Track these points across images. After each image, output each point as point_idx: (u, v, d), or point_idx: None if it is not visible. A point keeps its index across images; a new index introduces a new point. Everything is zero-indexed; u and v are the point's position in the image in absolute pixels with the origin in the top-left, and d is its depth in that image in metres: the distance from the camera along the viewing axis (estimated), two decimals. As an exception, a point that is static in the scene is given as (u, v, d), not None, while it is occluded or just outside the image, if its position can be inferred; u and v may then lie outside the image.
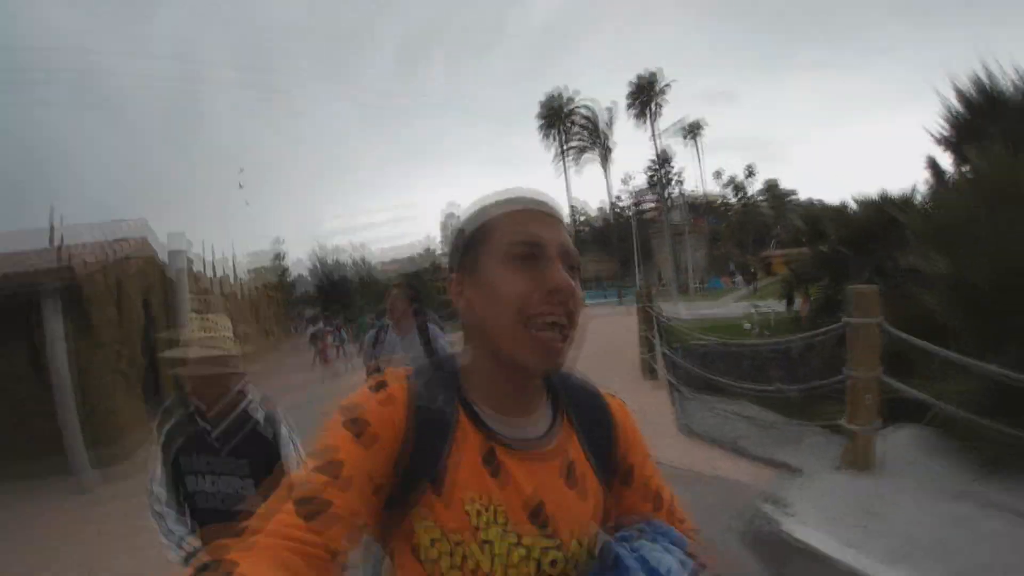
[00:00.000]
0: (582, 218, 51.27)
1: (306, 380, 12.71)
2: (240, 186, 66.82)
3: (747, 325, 12.22)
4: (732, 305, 19.07)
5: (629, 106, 39.78)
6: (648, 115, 39.31)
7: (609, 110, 41.03)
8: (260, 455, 1.70)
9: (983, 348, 3.39)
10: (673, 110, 40.96)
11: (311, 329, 19.68)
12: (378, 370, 2.19)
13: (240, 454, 1.71)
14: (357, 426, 0.64)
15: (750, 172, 55.55)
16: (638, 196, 47.14)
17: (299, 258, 38.90)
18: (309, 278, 37.03)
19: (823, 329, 4.35)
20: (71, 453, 6.30)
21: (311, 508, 0.55)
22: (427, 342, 2.83)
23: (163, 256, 10.64)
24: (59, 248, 7.45)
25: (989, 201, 3.93)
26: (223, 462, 1.72)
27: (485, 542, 0.65)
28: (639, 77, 39.22)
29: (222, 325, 1.79)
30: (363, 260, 38.31)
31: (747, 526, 3.22)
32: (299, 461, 1.63)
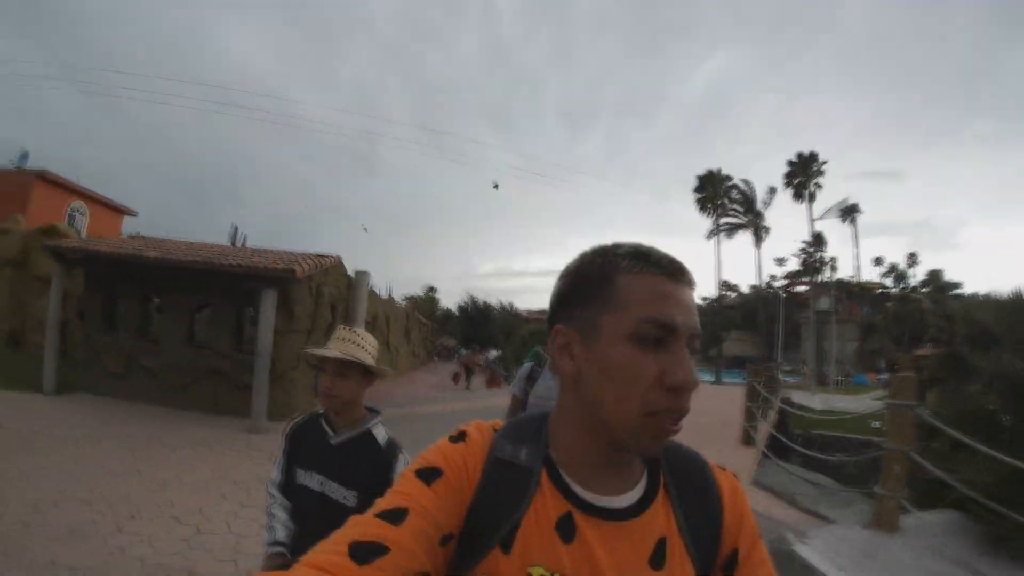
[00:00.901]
0: (732, 294, 50.08)
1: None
2: (365, 230, 77.95)
3: (875, 423, 11.93)
4: (869, 401, 18.12)
5: (787, 185, 38.88)
6: (804, 195, 38.12)
7: (772, 190, 40.47)
8: (371, 473, 1.65)
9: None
10: (833, 189, 39.49)
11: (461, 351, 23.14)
12: (524, 402, 3.08)
13: (352, 464, 1.70)
14: (428, 474, 0.62)
15: (913, 260, 51.79)
16: (791, 277, 45.51)
17: (451, 296, 42.19)
18: (457, 314, 39.92)
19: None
20: (255, 406, 8.61)
21: (365, 551, 0.52)
22: None
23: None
24: (284, 253, 10.11)
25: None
26: (335, 466, 1.71)
27: None
28: (798, 156, 38.40)
29: (367, 340, 1.81)
30: (511, 305, 40.58)
31: (767, 545, 4.01)
32: None
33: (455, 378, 19.29)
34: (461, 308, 38.72)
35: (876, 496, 4.32)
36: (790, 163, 38.77)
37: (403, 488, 0.61)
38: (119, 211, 21.14)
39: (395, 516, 0.57)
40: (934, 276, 48.79)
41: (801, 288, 44.64)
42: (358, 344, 1.77)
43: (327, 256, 11.40)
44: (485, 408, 13.59)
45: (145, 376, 9.83)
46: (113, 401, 9.35)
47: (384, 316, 18.50)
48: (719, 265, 43.82)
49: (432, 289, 40.13)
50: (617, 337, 0.61)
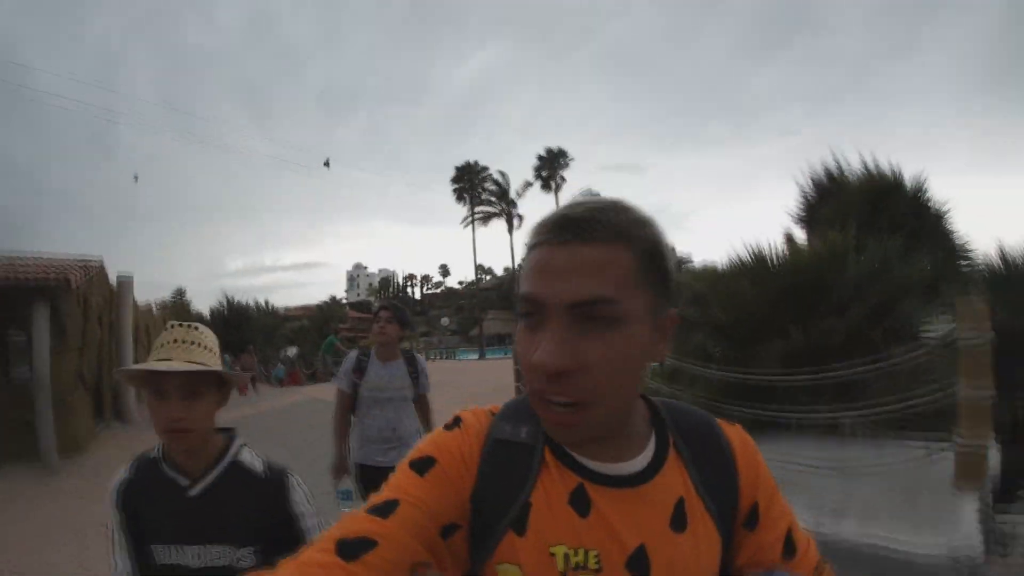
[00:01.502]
0: (488, 277, 54.24)
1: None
2: (136, 179, 69.87)
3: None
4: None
5: (536, 177, 43.79)
6: (552, 187, 43.35)
7: (528, 184, 44.64)
8: (261, 514, 1.24)
9: (729, 363, 5.90)
10: (582, 180, 45.36)
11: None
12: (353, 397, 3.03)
13: (230, 514, 1.23)
14: (421, 464, 0.61)
15: None
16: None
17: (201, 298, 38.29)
18: (209, 318, 36.36)
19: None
20: (44, 443, 7.77)
21: (352, 547, 0.50)
22: (415, 373, 3.17)
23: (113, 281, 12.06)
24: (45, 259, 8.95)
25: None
26: (206, 525, 1.22)
27: None
28: (547, 151, 43.55)
29: (209, 337, 1.32)
30: (267, 303, 38.10)
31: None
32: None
33: (241, 389, 18.02)
34: (215, 311, 35.35)
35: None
36: (540, 157, 43.71)
37: (395, 481, 0.60)
38: None
39: (384, 509, 0.55)
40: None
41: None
42: (204, 346, 1.27)
43: (92, 261, 10.25)
44: (301, 400, 13.66)
45: None
46: None
47: (145, 327, 16.49)
48: (475, 251, 48.35)
49: (181, 292, 35.79)
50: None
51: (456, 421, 0.67)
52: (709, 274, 8.01)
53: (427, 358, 25.98)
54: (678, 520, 0.61)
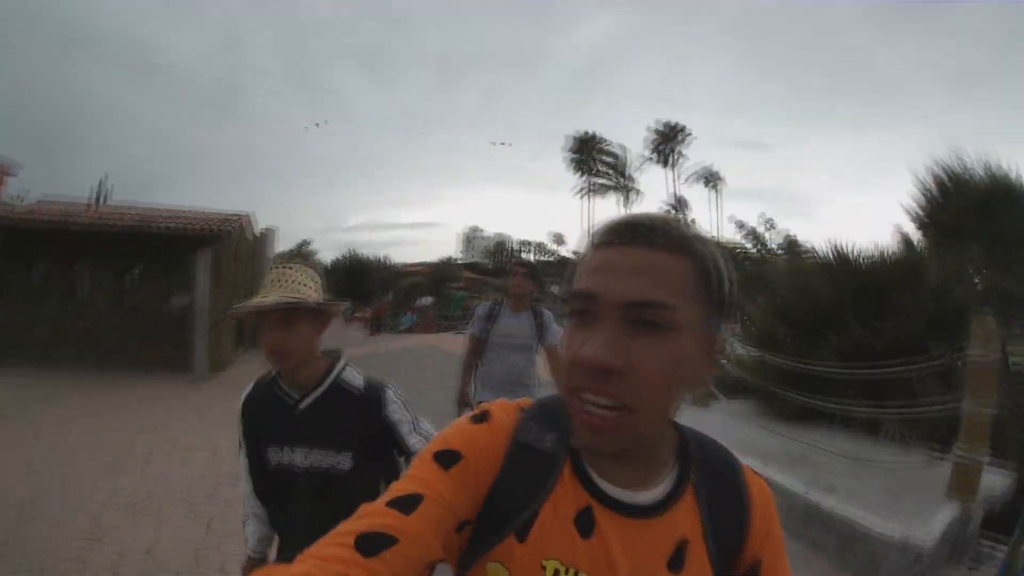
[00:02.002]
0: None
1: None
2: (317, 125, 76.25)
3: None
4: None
5: (653, 151, 42.75)
6: (669, 162, 42.21)
7: (647, 159, 43.57)
8: (359, 425, 1.42)
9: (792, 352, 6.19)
10: (700, 155, 43.56)
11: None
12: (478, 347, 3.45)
13: (333, 424, 1.42)
14: (447, 458, 0.60)
15: (770, 225, 55.69)
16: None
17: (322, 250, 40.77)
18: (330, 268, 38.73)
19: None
20: (198, 360, 9.72)
21: (372, 543, 0.50)
22: (540, 325, 3.38)
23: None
24: (206, 213, 10.88)
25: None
26: (313, 432, 1.42)
27: None
28: (665, 125, 42.22)
29: (306, 274, 1.46)
30: (384, 258, 41.08)
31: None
32: (425, 436, 1.44)
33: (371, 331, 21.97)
34: (337, 262, 38.10)
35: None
36: (658, 132, 42.52)
37: (419, 472, 0.59)
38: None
39: (407, 504, 0.54)
40: (789, 240, 51.09)
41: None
42: (297, 282, 1.43)
43: (243, 215, 12.08)
44: (415, 345, 15.22)
45: (75, 341, 10.16)
46: (44, 369, 9.30)
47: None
48: (590, 223, 47.22)
49: (306, 242, 38.93)
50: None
51: (484, 415, 0.66)
52: (789, 267, 8.10)
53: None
54: (676, 561, 0.60)
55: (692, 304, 0.54)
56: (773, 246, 53.14)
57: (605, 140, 45.01)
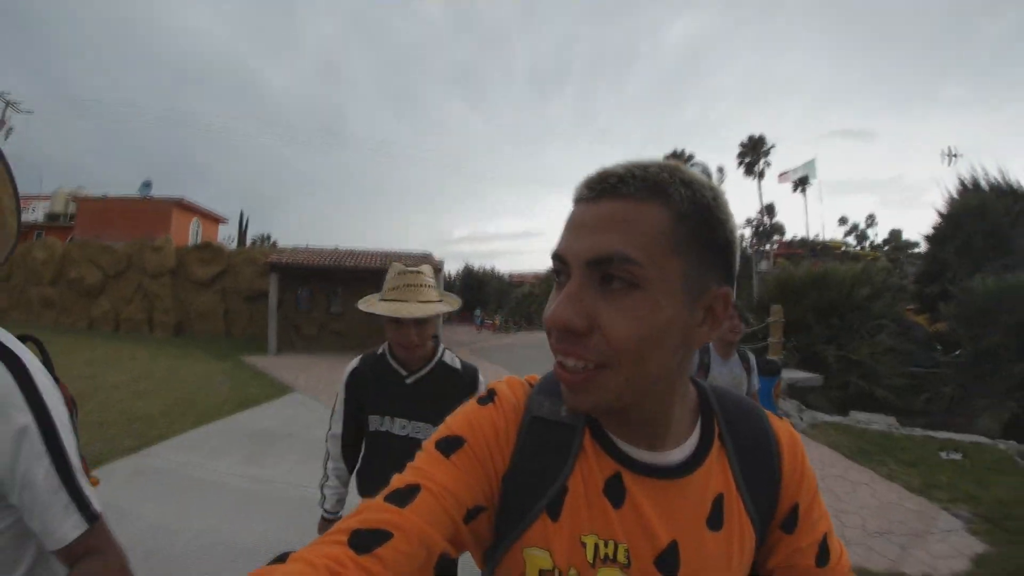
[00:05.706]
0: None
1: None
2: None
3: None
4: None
5: (739, 164, 44.63)
6: (755, 173, 44.07)
7: (720, 170, 44.94)
8: (458, 401, 1.18)
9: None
10: (790, 158, 43.07)
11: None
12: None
13: (436, 400, 1.55)
14: (448, 445, 0.58)
15: (871, 221, 55.18)
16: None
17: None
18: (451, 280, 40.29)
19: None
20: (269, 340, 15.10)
21: (365, 539, 0.47)
22: (749, 369, 2.86)
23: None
24: (409, 253, 16.62)
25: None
26: (417, 406, 1.62)
27: None
28: (749, 138, 44.13)
29: (431, 277, 1.66)
30: (493, 269, 43.47)
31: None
32: None
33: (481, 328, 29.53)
34: (450, 275, 39.40)
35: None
36: (742, 144, 44.31)
37: (419, 462, 0.57)
38: (216, 220, 26.61)
39: (403, 496, 0.52)
40: (894, 235, 50.79)
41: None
42: (428, 285, 1.63)
43: (428, 254, 17.54)
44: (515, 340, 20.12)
45: (334, 336, 16.21)
46: (315, 355, 14.70)
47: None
48: None
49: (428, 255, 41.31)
50: None
51: (491, 395, 0.64)
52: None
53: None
54: (715, 518, 0.58)
55: (672, 259, 0.50)
56: (879, 241, 51.62)
57: (692, 158, 47.25)
